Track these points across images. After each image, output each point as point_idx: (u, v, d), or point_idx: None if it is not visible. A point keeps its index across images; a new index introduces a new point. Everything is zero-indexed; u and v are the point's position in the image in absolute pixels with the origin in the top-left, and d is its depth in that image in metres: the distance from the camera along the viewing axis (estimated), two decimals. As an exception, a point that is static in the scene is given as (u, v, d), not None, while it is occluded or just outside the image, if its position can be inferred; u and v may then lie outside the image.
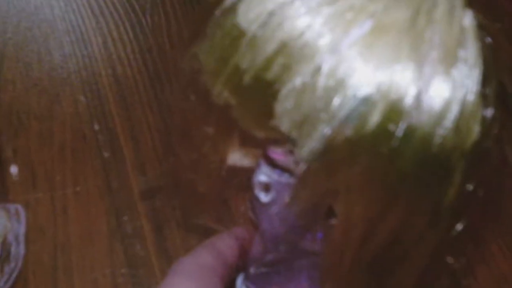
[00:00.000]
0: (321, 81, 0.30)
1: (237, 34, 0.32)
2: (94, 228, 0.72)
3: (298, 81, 0.30)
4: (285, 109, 0.31)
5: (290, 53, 0.30)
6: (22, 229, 0.61)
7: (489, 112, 0.30)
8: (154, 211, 0.73)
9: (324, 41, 0.30)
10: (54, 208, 0.72)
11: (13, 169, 0.72)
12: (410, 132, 0.29)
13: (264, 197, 0.42)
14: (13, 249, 0.59)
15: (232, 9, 0.33)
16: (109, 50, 0.84)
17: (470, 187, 0.31)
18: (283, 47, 0.31)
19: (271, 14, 0.31)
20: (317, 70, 0.30)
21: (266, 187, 0.42)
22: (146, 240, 0.72)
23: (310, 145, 0.31)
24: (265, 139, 0.35)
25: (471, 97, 0.29)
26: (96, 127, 0.78)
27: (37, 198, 0.72)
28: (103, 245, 0.71)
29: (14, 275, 0.59)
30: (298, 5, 0.31)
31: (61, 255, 0.69)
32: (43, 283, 0.67)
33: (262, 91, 0.32)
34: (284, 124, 0.31)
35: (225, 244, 0.50)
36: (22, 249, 0.60)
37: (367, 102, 0.29)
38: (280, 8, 0.31)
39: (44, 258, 0.68)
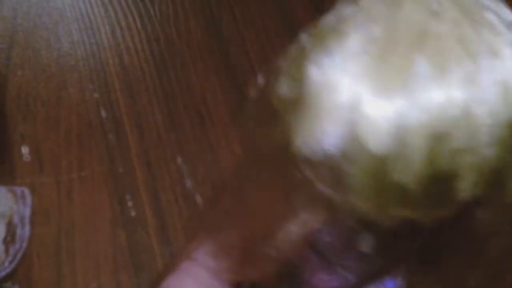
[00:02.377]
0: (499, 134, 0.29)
1: (380, 163, 0.29)
2: (98, 213, 0.73)
3: (480, 153, 0.29)
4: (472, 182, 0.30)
5: (453, 138, 0.28)
6: (27, 212, 0.63)
7: None
8: (157, 198, 0.75)
9: (481, 106, 0.28)
10: (59, 192, 0.73)
11: (24, 150, 0.73)
12: None
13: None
14: (18, 231, 0.60)
15: (353, 145, 0.29)
16: (117, 39, 0.86)
17: None
18: (440, 139, 0.28)
19: (400, 126, 0.28)
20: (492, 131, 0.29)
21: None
22: (148, 226, 0.73)
23: None
24: None
25: None
26: (103, 114, 0.79)
27: (43, 182, 0.73)
28: (106, 229, 0.72)
29: (18, 256, 0.61)
30: (421, 104, 0.28)
31: (65, 238, 0.71)
32: (47, 265, 0.68)
33: (437, 185, 0.30)
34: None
35: None
36: (27, 231, 0.62)
37: None
38: (405, 116, 0.28)
39: (48, 241, 0.69)
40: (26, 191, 0.63)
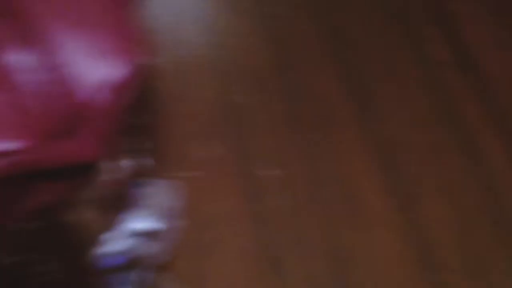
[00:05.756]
0: None
1: None
2: (235, 207, 0.75)
3: None
4: None
5: None
6: (177, 204, 0.65)
7: None
8: (291, 195, 0.76)
9: None
10: (200, 187, 0.75)
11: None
12: None
13: None
14: (168, 223, 0.63)
15: None
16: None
17: None
18: None
19: None
20: None
21: None
22: (284, 223, 0.74)
23: None
24: None
25: None
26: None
27: (186, 177, 0.75)
28: (246, 224, 0.74)
29: (167, 248, 0.63)
30: None
31: (207, 230, 0.73)
32: (190, 257, 0.71)
33: None
34: None
35: None
36: (177, 222, 0.64)
37: None
38: None
39: (191, 234, 0.71)
40: (177, 184, 0.66)
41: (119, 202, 0.52)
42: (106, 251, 0.50)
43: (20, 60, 0.30)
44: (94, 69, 0.31)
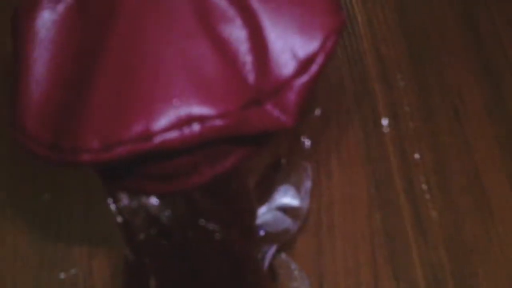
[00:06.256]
0: None
1: None
2: (355, 193, 0.77)
3: None
4: None
5: None
6: (309, 185, 0.67)
7: None
8: (410, 185, 0.77)
9: None
10: (319, 171, 0.77)
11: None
12: None
13: None
14: (303, 202, 0.65)
15: None
16: (374, 30, 0.89)
17: None
18: None
19: None
20: None
21: None
22: (402, 212, 0.76)
23: None
24: None
25: None
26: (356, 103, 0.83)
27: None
28: (362, 210, 0.76)
29: (296, 225, 0.66)
30: None
31: (325, 214, 0.75)
32: (308, 238, 0.73)
33: None
34: None
35: None
36: (307, 203, 0.67)
37: None
38: None
39: (311, 216, 0.74)
40: (308, 166, 0.68)
41: (274, 175, 0.55)
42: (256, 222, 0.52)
43: (232, 33, 0.33)
44: (291, 43, 0.33)
